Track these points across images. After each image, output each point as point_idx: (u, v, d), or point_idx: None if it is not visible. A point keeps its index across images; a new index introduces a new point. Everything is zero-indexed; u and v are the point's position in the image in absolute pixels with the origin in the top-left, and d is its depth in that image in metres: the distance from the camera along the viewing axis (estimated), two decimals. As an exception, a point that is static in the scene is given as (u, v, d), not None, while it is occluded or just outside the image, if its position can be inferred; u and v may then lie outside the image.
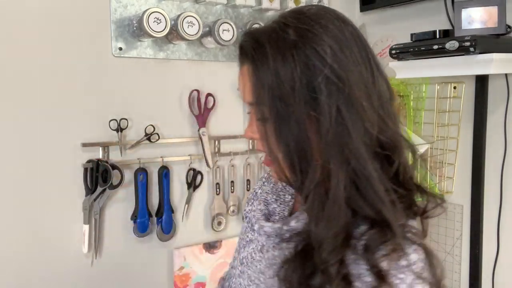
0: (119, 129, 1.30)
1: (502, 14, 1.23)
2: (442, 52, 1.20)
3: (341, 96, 0.58)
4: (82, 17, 1.25)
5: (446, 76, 1.40)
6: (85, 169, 1.26)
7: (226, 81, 1.51)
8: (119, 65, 1.32)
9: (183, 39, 1.31)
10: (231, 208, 1.53)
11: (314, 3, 1.58)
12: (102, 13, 1.28)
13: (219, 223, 1.52)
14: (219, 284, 0.96)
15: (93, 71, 1.28)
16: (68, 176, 1.26)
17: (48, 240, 1.24)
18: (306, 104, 0.58)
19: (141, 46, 1.34)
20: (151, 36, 1.26)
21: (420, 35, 1.31)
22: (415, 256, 0.59)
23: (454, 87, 1.44)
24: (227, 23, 1.37)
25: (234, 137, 1.53)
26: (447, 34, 1.29)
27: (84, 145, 1.26)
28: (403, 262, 0.58)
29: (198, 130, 1.45)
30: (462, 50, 1.15)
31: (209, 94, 1.46)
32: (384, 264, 0.57)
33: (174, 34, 1.32)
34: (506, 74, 1.34)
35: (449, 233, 1.50)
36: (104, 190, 1.27)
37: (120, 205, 1.34)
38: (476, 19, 1.26)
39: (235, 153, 1.52)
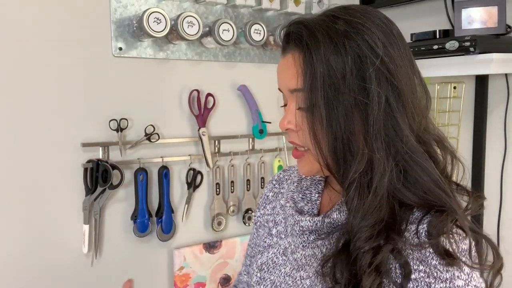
0: (119, 129, 1.30)
1: (502, 14, 1.23)
2: (442, 52, 1.20)
3: (390, 88, 0.60)
4: (82, 17, 1.25)
5: (446, 76, 1.40)
6: (85, 169, 1.26)
7: (226, 81, 1.51)
8: (119, 65, 1.32)
9: (183, 39, 1.31)
10: (231, 208, 1.53)
11: (315, 3, 1.58)
12: (102, 13, 1.28)
13: (219, 223, 1.52)
14: None
15: (93, 71, 1.28)
16: (68, 176, 1.26)
17: (48, 240, 1.24)
18: (355, 92, 0.59)
19: (141, 46, 1.34)
20: (151, 36, 1.26)
21: (420, 35, 1.31)
22: (468, 241, 0.60)
23: (454, 87, 1.44)
24: (227, 23, 1.37)
25: (234, 137, 1.53)
26: (447, 34, 1.29)
27: (84, 145, 1.26)
28: (464, 246, 0.59)
29: (198, 130, 1.45)
30: (462, 50, 1.15)
31: (209, 94, 1.46)
32: (450, 247, 0.58)
33: (174, 34, 1.32)
34: (506, 74, 1.34)
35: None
36: (104, 190, 1.27)
37: (120, 205, 1.34)
38: (476, 19, 1.26)
39: (235, 153, 1.52)
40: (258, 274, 0.77)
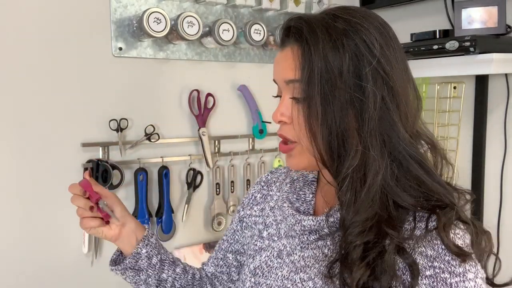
0: (119, 129, 1.30)
1: (502, 14, 1.23)
2: (442, 52, 1.20)
3: (385, 87, 0.62)
4: (82, 17, 1.25)
5: (446, 76, 1.40)
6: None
7: (226, 81, 1.51)
8: (119, 65, 1.32)
9: (183, 39, 1.31)
10: (231, 208, 1.53)
11: (315, 3, 1.58)
12: (102, 13, 1.28)
13: (219, 223, 1.52)
14: None
15: (93, 71, 1.28)
16: (68, 176, 1.25)
17: (48, 240, 1.24)
18: (351, 89, 0.61)
19: (141, 46, 1.34)
20: (151, 36, 1.26)
21: (420, 35, 1.31)
22: (470, 233, 0.63)
23: (454, 87, 1.44)
24: (227, 23, 1.37)
25: (234, 137, 1.53)
26: (447, 34, 1.29)
27: (84, 145, 1.26)
28: (467, 241, 0.62)
29: (198, 130, 1.45)
30: (462, 50, 1.15)
31: (209, 94, 1.46)
32: (459, 242, 0.60)
33: (174, 34, 1.32)
34: (506, 74, 1.34)
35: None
36: (104, 190, 1.27)
37: (120, 205, 1.34)
38: (476, 19, 1.26)
39: (235, 153, 1.52)
40: (252, 279, 0.75)
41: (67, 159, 1.25)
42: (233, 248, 0.88)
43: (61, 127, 1.24)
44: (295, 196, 0.77)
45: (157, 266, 0.84)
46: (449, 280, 0.58)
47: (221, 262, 0.89)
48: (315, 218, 0.69)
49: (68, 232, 1.27)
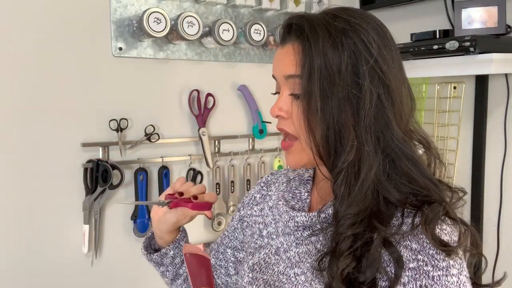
0: (119, 129, 1.30)
1: (502, 14, 1.23)
2: (442, 52, 1.20)
3: (381, 86, 0.64)
4: (82, 17, 1.25)
5: (446, 76, 1.40)
6: (85, 169, 1.26)
7: (226, 81, 1.51)
8: (119, 65, 1.32)
9: (183, 39, 1.31)
10: (231, 208, 1.53)
11: (315, 3, 1.58)
12: (102, 13, 1.28)
13: (219, 223, 1.52)
14: None
15: (93, 71, 1.28)
16: (68, 176, 1.26)
17: (48, 240, 1.24)
18: (349, 86, 0.63)
19: (141, 46, 1.34)
20: (151, 36, 1.26)
21: (420, 35, 1.31)
22: (458, 231, 0.64)
23: (454, 87, 1.44)
24: (227, 23, 1.37)
25: (234, 137, 1.53)
26: (447, 34, 1.29)
27: (84, 145, 1.26)
28: (455, 237, 0.62)
29: (198, 130, 1.45)
30: (462, 50, 1.15)
31: (209, 94, 1.46)
32: (446, 238, 0.61)
33: (174, 34, 1.32)
34: (506, 74, 1.34)
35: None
36: (104, 190, 1.27)
37: (120, 205, 1.34)
38: (476, 19, 1.26)
39: (235, 153, 1.52)
40: (250, 275, 0.77)
41: (67, 159, 1.25)
42: (232, 244, 0.91)
43: (61, 127, 1.24)
44: (290, 194, 0.79)
45: (178, 264, 0.89)
46: (431, 273, 0.59)
47: (221, 255, 0.92)
48: (307, 214, 0.71)
49: (68, 232, 1.27)
